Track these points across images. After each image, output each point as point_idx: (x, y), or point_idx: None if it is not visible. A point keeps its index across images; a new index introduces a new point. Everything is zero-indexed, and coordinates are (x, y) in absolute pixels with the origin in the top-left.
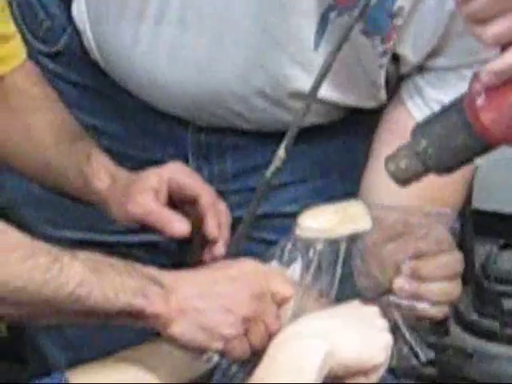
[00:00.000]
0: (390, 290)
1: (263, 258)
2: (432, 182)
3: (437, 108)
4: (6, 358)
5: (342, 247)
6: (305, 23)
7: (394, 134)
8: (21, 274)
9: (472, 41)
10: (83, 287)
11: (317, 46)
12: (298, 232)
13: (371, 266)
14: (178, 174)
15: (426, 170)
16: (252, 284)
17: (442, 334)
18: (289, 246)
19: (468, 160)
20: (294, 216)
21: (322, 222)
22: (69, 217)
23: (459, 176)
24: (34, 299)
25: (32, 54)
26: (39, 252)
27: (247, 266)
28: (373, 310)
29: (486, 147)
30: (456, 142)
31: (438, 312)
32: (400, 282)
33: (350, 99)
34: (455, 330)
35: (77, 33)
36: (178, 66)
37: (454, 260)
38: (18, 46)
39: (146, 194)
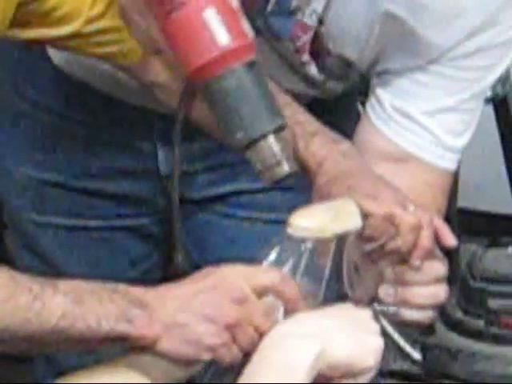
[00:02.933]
0: (375, 298)
1: (255, 258)
2: (409, 189)
3: (397, 117)
4: (6, 357)
5: (332, 246)
6: None
7: (361, 149)
8: (3, 315)
9: (410, 43)
10: (65, 320)
11: None
12: (288, 231)
13: (364, 275)
14: None
15: None
16: (232, 289)
17: (427, 333)
18: (280, 245)
19: None
20: (261, 192)
21: (312, 221)
22: (52, 203)
23: (437, 181)
24: (17, 336)
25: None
26: (20, 291)
27: (226, 271)
28: (365, 314)
29: None
30: None
31: (424, 317)
32: (385, 289)
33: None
34: (441, 328)
35: None
36: None
37: (438, 263)
38: None
39: None
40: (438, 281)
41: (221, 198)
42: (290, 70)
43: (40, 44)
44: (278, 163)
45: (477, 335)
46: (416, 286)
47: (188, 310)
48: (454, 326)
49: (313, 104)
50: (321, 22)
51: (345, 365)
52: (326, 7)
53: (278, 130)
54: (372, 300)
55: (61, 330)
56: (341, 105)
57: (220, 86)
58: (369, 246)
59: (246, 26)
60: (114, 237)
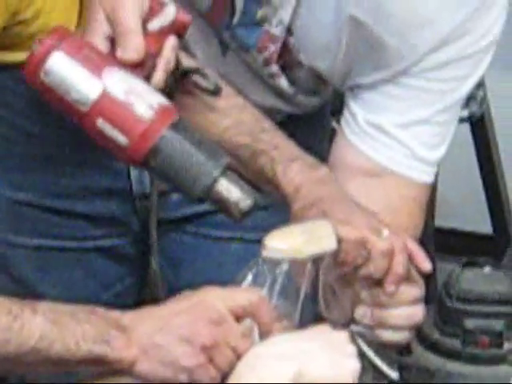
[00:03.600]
0: (352, 319)
1: (232, 280)
2: (385, 204)
3: (370, 131)
4: None
5: (308, 267)
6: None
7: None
8: None
9: (378, 52)
10: (44, 341)
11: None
12: (264, 253)
13: (341, 296)
14: None
15: None
16: (209, 311)
17: (404, 353)
18: (256, 267)
19: None
20: None
21: (287, 242)
22: (26, 223)
23: (412, 195)
24: None
25: None
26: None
27: (204, 294)
28: (342, 335)
29: None
30: None
31: (401, 337)
32: (362, 310)
33: (262, 103)
34: (417, 348)
35: None
36: None
37: (414, 284)
38: None
39: None
40: (414, 302)
41: (195, 217)
42: (261, 82)
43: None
44: (239, 201)
45: (454, 355)
46: (392, 307)
47: (165, 332)
48: (431, 345)
49: (286, 123)
50: (289, 32)
51: None
52: (293, 17)
53: (226, 170)
54: (349, 321)
55: (39, 351)
56: (313, 124)
57: (155, 159)
58: (342, 270)
59: (143, 108)
60: (88, 258)
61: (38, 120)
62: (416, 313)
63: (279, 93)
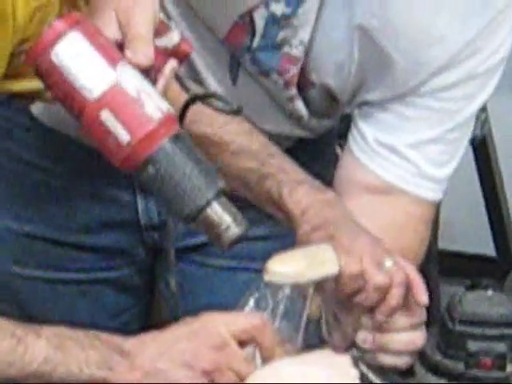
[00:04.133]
0: (353, 344)
1: (234, 306)
2: (391, 221)
3: (380, 149)
4: None
5: (310, 291)
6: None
7: (344, 182)
8: None
9: (388, 69)
10: (47, 364)
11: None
12: (266, 277)
13: (343, 320)
14: None
15: None
16: (211, 335)
17: (407, 375)
18: (258, 291)
19: None
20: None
21: (289, 266)
22: (32, 255)
23: (418, 212)
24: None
25: None
26: (4, 335)
27: (207, 319)
28: (345, 360)
29: None
30: None
31: (401, 362)
32: (363, 335)
33: (275, 130)
34: (420, 370)
35: None
36: None
37: (415, 310)
38: None
39: None
40: (414, 327)
41: (199, 247)
42: (277, 107)
43: (32, 97)
44: (229, 227)
45: (456, 377)
46: (393, 332)
47: (167, 357)
48: (434, 368)
49: (292, 149)
50: (306, 53)
51: None
52: (312, 36)
53: (220, 194)
54: (350, 345)
55: (42, 375)
56: (320, 149)
57: (147, 172)
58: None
59: (152, 108)
60: (95, 289)
61: (44, 154)
62: (416, 339)
63: (295, 117)
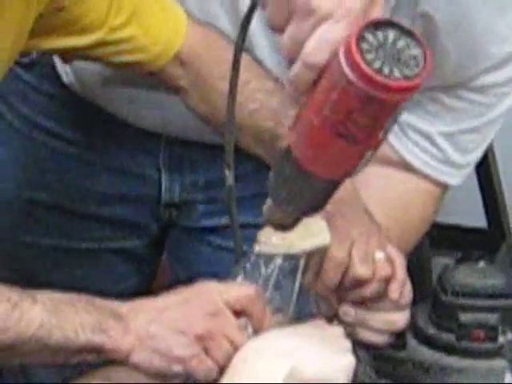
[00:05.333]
0: (335, 316)
1: (228, 276)
2: (399, 194)
3: (411, 134)
4: None
5: (302, 262)
6: None
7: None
8: None
9: (441, 60)
10: (43, 329)
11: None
12: (257, 247)
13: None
14: None
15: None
16: (205, 303)
17: (399, 348)
18: (250, 262)
19: (327, 195)
20: (260, 227)
21: (281, 237)
22: (41, 224)
23: (429, 189)
24: None
25: None
26: None
27: (201, 287)
28: (337, 331)
29: (331, 181)
30: (297, 187)
31: (379, 340)
32: (345, 308)
33: None
34: (412, 343)
35: None
36: None
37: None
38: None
39: None
40: (398, 308)
41: (217, 229)
42: None
43: (62, 54)
44: None
45: (448, 349)
46: (376, 310)
47: (160, 323)
48: (426, 340)
49: None
50: None
51: (315, 382)
52: None
53: None
54: (333, 316)
55: (38, 339)
56: None
57: None
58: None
59: None
60: (102, 257)
61: (67, 123)
62: (398, 320)
63: None
